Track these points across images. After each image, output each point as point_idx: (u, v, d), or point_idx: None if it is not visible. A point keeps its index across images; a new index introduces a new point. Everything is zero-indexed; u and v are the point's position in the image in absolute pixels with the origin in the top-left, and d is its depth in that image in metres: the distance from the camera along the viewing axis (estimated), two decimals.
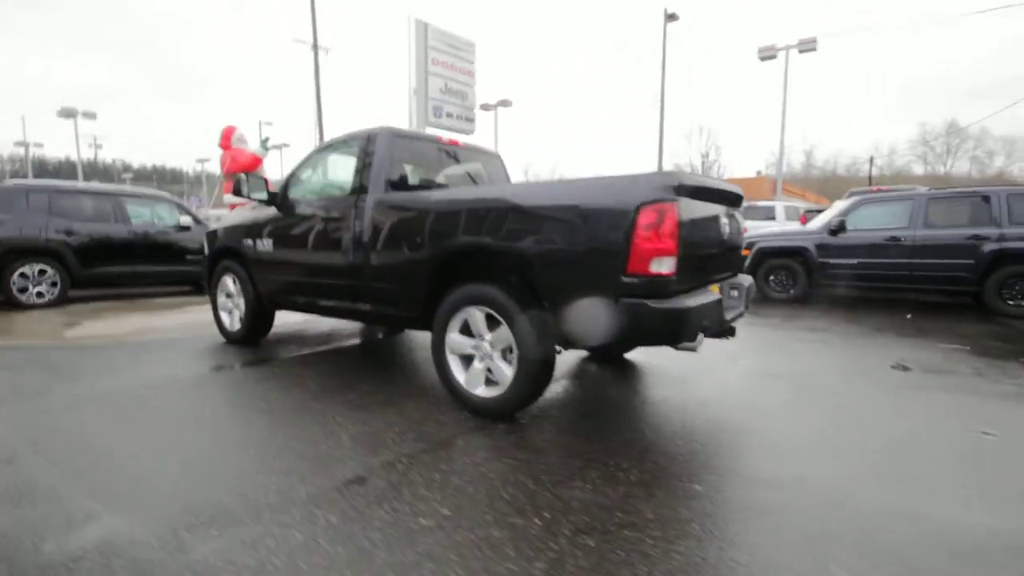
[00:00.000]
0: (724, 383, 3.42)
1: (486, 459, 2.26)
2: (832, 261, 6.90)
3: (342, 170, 3.75)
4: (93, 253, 6.63)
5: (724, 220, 2.91)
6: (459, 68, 12.35)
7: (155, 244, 7.10)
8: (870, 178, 32.68)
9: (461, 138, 4.39)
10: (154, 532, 1.68)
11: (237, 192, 3.73)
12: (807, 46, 15.49)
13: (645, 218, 2.19)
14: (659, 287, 2.24)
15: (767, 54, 16.27)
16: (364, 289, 3.31)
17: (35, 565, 1.52)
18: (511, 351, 2.66)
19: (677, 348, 2.38)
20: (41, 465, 2.17)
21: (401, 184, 3.42)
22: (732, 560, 1.57)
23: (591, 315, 2.35)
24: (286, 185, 3.92)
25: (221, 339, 4.53)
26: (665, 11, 17.60)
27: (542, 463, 2.21)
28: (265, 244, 3.94)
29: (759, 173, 48.94)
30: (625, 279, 2.24)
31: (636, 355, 3.98)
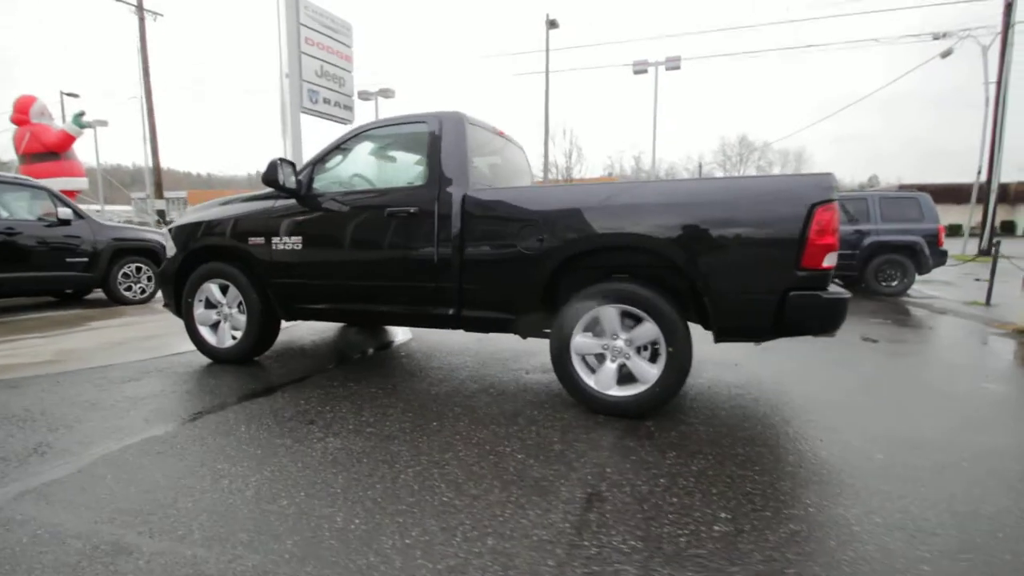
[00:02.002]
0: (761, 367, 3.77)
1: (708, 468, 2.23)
2: None
3: (398, 159, 3.32)
4: None
5: None
6: (336, 51, 11.50)
7: (22, 244, 5.47)
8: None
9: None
10: None
11: (271, 181, 3.09)
12: (673, 64, 17.40)
13: (820, 216, 2.33)
14: (826, 280, 2.42)
15: (640, 68, 17.91)
16: (449, 291, 2.99)
17: None
18: (647, 348, 2.66)
19: (818, 336, 2.59)
20: None
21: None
22: None
23: (758, 308, 2.45)
24: (309, 175, 3.34)
25: (178, 365, 3.68)
26: (547, 17, 18.35)
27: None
28: (288, 243, 3.31)
29: (610, 175, 53.50)
30: (799, 273, 2.38)
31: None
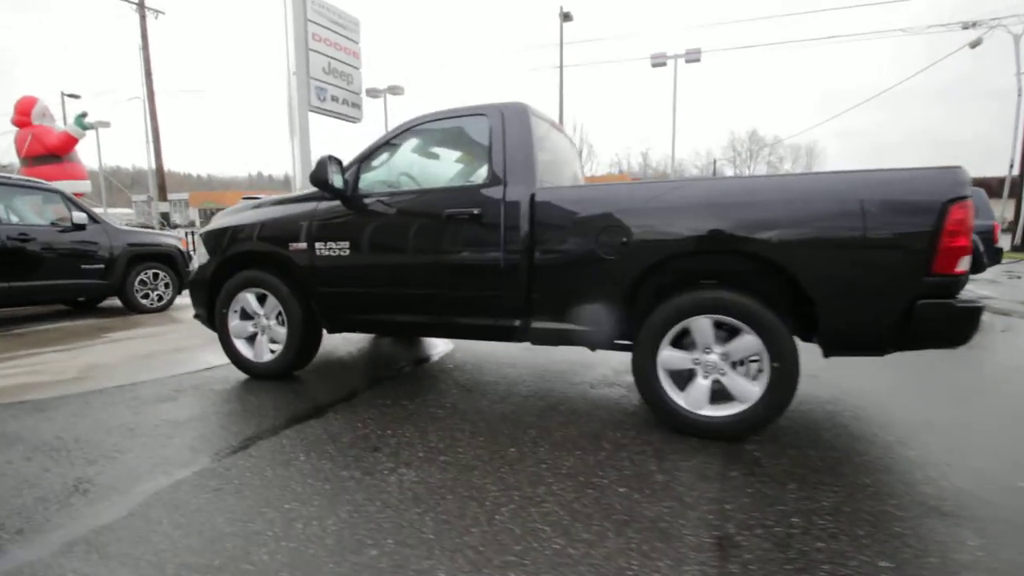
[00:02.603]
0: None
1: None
2: None
3: (454, 156, 3.06)
4: None
5: None
6: (344, 47, 11.24)
7: (36, 251, 5.21)
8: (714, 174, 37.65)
9: None
10: None
11: (321, 181, 2.83)
12: (693, 56, 17.07)
13: (954, 215, 2.07)
14: (958, 286, 2.16)
15: (658, 61, 17.59)
16: (515, 301, 2.73)
17: None
18: (744, 363, 2.41)
19: (944, 348, 2.33)
20: None
21: None
22: None
23: (880, 319, 2.19)
24: (355, 175, 3.08)
25: (213, 381, 3.43)
26: (561, 10, 18.04)
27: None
28: (334, 248, 3.05)
29: (621, 172, 53.16)
30: (928, 279, 2.12)
31: None
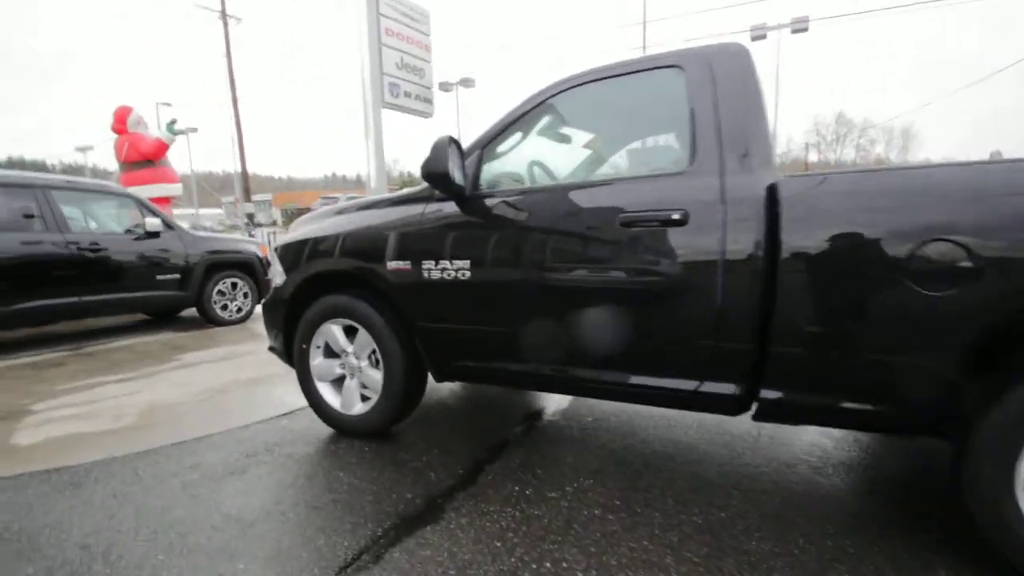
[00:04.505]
0: None
1: None
2: None
3: (626, 131, 2.10)
4: (12, 280, 4.27)
5: None
6: (415, 40, 10.50)
7: (108, 261, 4.79)
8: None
9: None
10: None
11: (440, 176, 1.96)
12: (799, 25, 15.09)
13: None
14: None
15: (758, 33, 15.73)
16: (738, 356, 1.73)
17: None
18: None
19: None
20: None
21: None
22: None
23: None
24: (476, 166, 2.19)
25: (290, 438, 2.66)
26: None
27: None
28: (449, 269, 2.17)
29: None
30: None
31: None
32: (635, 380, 1.92)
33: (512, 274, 2.07)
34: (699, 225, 1.72)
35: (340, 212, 2.68)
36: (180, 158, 42.45)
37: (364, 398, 2.58)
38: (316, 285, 2.63)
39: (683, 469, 2.22)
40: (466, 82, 18.85)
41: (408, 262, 2.27)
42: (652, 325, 1.85)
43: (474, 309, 2.19)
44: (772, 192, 1.66)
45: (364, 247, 2.40)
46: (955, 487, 1.52)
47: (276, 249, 2.78)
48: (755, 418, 1.80)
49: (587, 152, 2.40)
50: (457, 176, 2.05)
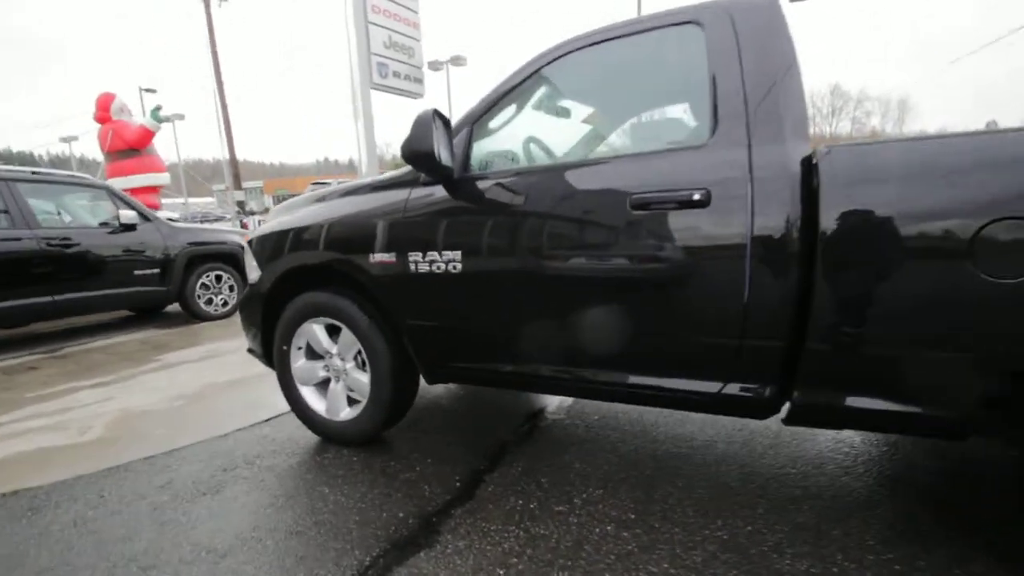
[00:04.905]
0: None
1: None
2: None
3: (634, 99, 1.85)
4: None
5: None
6: (403, 18, 10.18)
7: (82, 257, 4.52)
8: None
9: None
10: None
11: (420, 156, 1.71)
12: None
13: None
14: None
15: None
16: (768, 353, 1.51)
17: None
18: None
19: None
20: None
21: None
22: None
23: None
24: (466, 145, 1.95)
25: (271, 448, 2.47)
26: None
27: None
28: (438, 261, 1.94)
29: None
30: None
31: None
32: (649, 381, 1.71)
33: (509, 265, 1.84)
34: (723, 205, 1.49)
35: (320, 199, 2.43)
36: (167, 146, 41.59)
37: (352, 401, 2.37)
38: (295, 280, 2.40)
39: (701, 473, 2.02)
40: (457, 60, 18.31)
41: (393, 254, 2.03)
42: (668, 320, 1.63)
43: (467, 305, 1.97)
44: (808, 165, 1.43)
45: (344, 238, 2.17)
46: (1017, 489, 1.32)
47: (250, 242, 2.54)
48: (786, 422, 1.60)
49: (589, 126, 2.16)
50: (444, 156, 1.81)
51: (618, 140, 2.15)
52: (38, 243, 4.20)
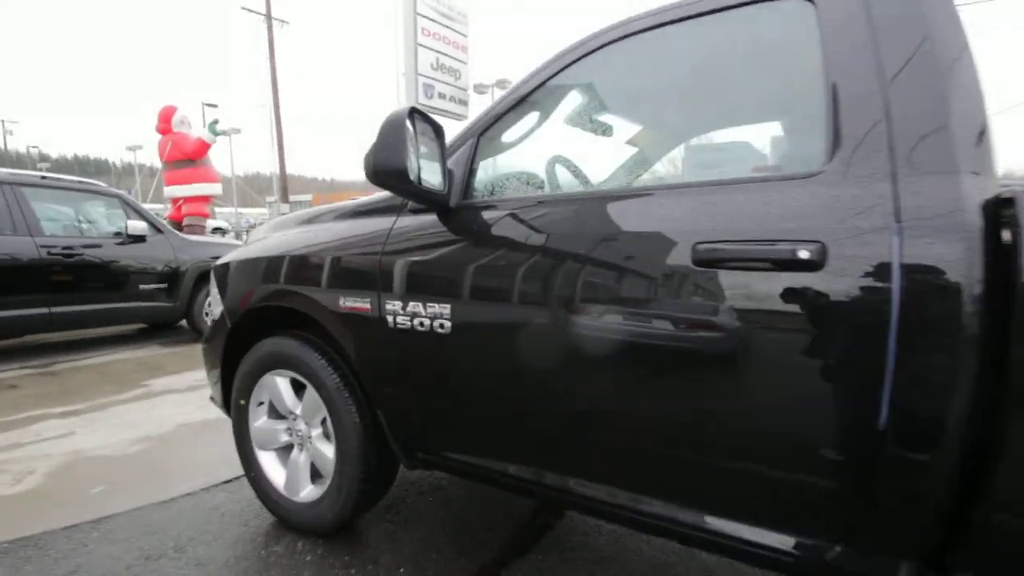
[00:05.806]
0: None
1: None
2: None
3: (711, 107, 1.34)
4: None
5: None
6: (452, 41, 10.16)
7: (84, 268, 4.29)
8: None
9: None
10: None
11: (389, 174, 1.24)
12: None
13: None
14: None
15: None
16: (920, 506, 0.93)
17: None
18: None
19: None
20: None
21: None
22: None
23: None
24: (468, 163, 1.46)
25: (235, 522, 2.00)
26: None
27: None
28: (421, 313, 1.44)
29: None
30: None
31: None
32: (714, 524, 1.14)
33: (521, 328, 1.32)
34: (847, 268, 0.93)
35: (308, 221, 1.99)
36: (223, 158, 43.34)
37: (317, 475, 1.88)
38: (259, 321, 1.95)
39: None
40: (502, 83, 18.25)
41: (367, 301, 1.55)
42: (744, 439, 1.07)
43: (460, 376, 1.46)
44: (997, 209, 0.87)
45: (308, 275, 1.71)
46: None
47: (213, 270, 2.12)
48: None
49: (635, 148, 1.64)
50: (435, 180, 1.32)
51: (676, 163, 1.62)
52: (37, 251, 3.97)
